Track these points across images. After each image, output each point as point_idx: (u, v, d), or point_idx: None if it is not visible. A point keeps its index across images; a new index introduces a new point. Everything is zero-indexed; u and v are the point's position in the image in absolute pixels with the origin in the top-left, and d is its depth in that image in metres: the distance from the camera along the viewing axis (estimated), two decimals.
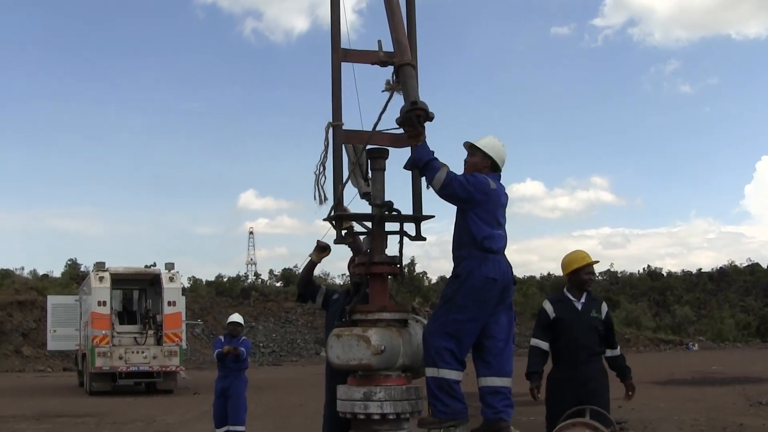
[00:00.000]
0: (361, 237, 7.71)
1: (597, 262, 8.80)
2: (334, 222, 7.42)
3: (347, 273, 8.59)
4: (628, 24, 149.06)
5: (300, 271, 8.32)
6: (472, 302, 6.67)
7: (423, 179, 6.99)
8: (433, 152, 6.69)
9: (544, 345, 8.53)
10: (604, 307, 8.74)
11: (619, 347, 8.86)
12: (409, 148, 7.26)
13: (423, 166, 6.70)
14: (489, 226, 6.80)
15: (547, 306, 8.65)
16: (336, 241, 7.56)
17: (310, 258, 8.14)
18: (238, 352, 13.23)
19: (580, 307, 8.57)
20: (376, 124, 7.25)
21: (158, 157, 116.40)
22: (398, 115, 6.77)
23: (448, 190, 6.66)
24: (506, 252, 7.01)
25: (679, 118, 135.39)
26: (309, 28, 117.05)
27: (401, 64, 7.08)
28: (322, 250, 8.04)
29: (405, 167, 7.10)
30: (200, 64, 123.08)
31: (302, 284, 8.47)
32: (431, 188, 6.73)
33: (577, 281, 8.65)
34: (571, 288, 8.70)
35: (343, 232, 7.49)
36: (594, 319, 8.57)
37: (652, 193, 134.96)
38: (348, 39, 7.58)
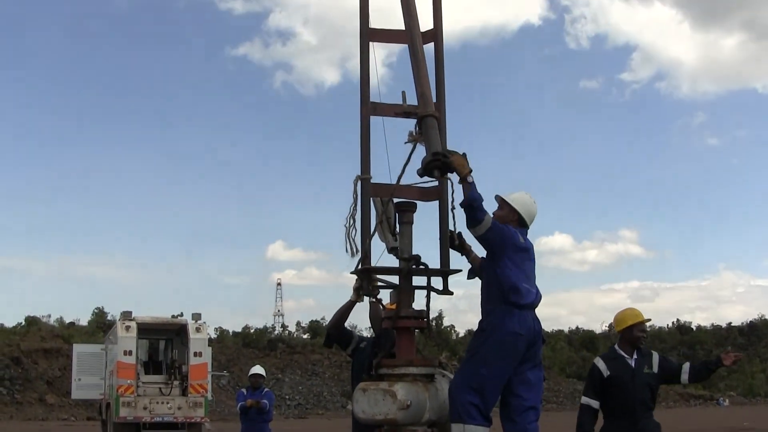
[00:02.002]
0: (388, 290, 7.66)
1: (650, 320, 8.73)
2: (361, 275, 7.40)
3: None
4: (655, 78, 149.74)
5: (336, 312, 8.08)
6: (497, 357, 6.65)
7: (466, 219, 6.80)
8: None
9: (595, 404, 8.42)
10: (656, 359, 8.60)
11: (685, 364, 8.70)
12: (437, 202, 7.31)
13: (477, 206, 6.67)
14: (517, 278, 6.81)
15: (600, 364, 8.53)
16: (363, 294, 7.52)
17: (350, 299, 7.82)
18: (261, 405, 13.16)
19: (633, 365, 8.47)
20: (400, 177, 7.27)
21: (187, 207, 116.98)
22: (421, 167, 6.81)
23: (492, 233, 6.69)
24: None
25: (707, 170, 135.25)
26: (340, 80, 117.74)
27: (424, 115, 7.10)
28: (360, 292, 7.69)
29: (461, 204, 6.87)
30: (230, 115, 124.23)
31: (336, 326, 8.11)
32: (472, 228, 6.74)
33: (630, 338, 8.55)
34: (623, 345, 8.59)
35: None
36: (647, 375, 8.46)
37: (680, 246, 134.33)
38: (379, 92, 7.62)
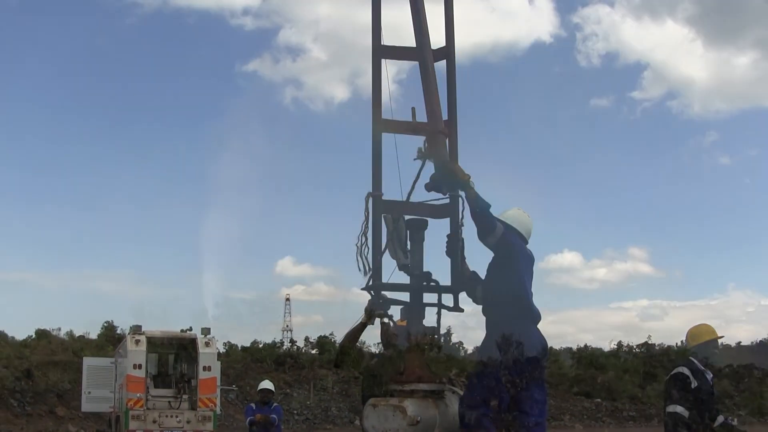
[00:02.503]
0: (399, 306, 7.67)
1: (722, 336, 8.76)
2: (372, 292, 7.41)
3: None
4: (667, 96, 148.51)
5: (346, 334, 8.06)
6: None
7: (478, 228, 6.92)
8: None
9: (687, 414, 8.33)
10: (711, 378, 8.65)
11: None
12: (448, 220, 7.35)
13: (488, 213, 6.76)
14: (528, 288, 6.92)
15: (689, 374, 8.49)
16: (376, 316, 7.52)
17: (360, 321, 7.72)
18: (270, 419, 13.18)
19: (710, 379, 8.48)
20: (410, 193, 7.31)
21: (197, 222, 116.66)
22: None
23: (504, 241, 6.77)
24: (542, 323, 7.03)
25: (718, 189, 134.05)
26: (350, 96, 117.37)
27: (433, 132, 7.13)
28: (372, 314, 7.84)
29: (471, 213, 7.01)
30: (240, 130, 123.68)
31: (347, 347, 8.02)
32: (485, 239, 6.81)
33: (706, 353, 8.53)
34: (700, 359, 8.56)
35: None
36: (715, 393, 8.52)
37: (690, 264, 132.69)
38: (390, 109, 7.66)
